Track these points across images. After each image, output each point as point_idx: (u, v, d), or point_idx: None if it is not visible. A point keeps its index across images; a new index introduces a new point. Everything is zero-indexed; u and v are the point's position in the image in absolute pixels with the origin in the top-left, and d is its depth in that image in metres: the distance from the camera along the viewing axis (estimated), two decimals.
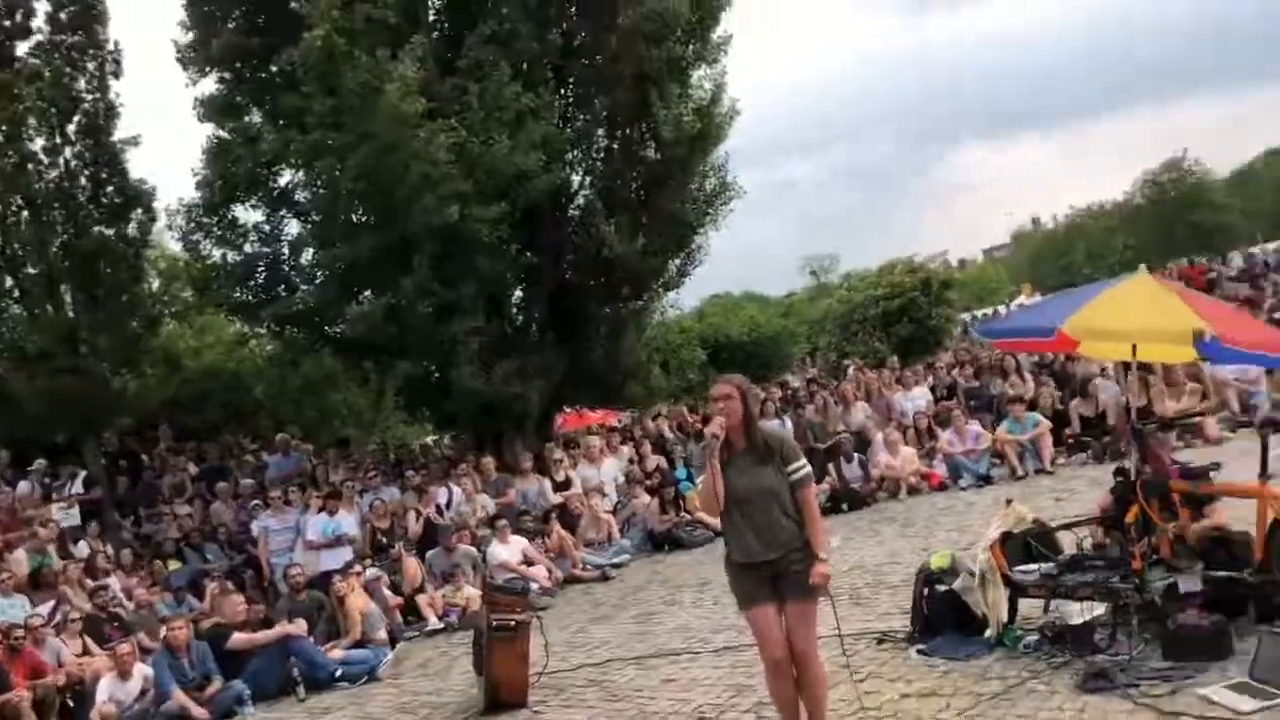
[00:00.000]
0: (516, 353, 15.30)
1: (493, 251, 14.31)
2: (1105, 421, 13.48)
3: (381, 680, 9.46)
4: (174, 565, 13.99)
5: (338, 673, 9.53)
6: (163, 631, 9.69)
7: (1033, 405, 14.03)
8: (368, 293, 14.90)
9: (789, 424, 15.03)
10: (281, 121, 14.72)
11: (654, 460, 15.18)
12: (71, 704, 9.68)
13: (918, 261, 35.46)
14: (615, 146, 15.89)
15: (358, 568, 11.42)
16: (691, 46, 15.65)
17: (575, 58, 15.60)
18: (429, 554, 12.35)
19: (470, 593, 11.36)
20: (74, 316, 15.95)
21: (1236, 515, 6.37)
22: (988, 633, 6.58)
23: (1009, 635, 6.48)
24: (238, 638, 9.65)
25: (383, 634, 10.30)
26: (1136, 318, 5.75)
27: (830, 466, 14.00)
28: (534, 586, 11.13)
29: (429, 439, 20.38)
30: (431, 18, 15.65)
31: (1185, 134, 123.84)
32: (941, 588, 6.95)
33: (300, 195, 15.78)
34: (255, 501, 14.63)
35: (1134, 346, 6.13)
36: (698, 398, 19.46)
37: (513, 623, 7.49)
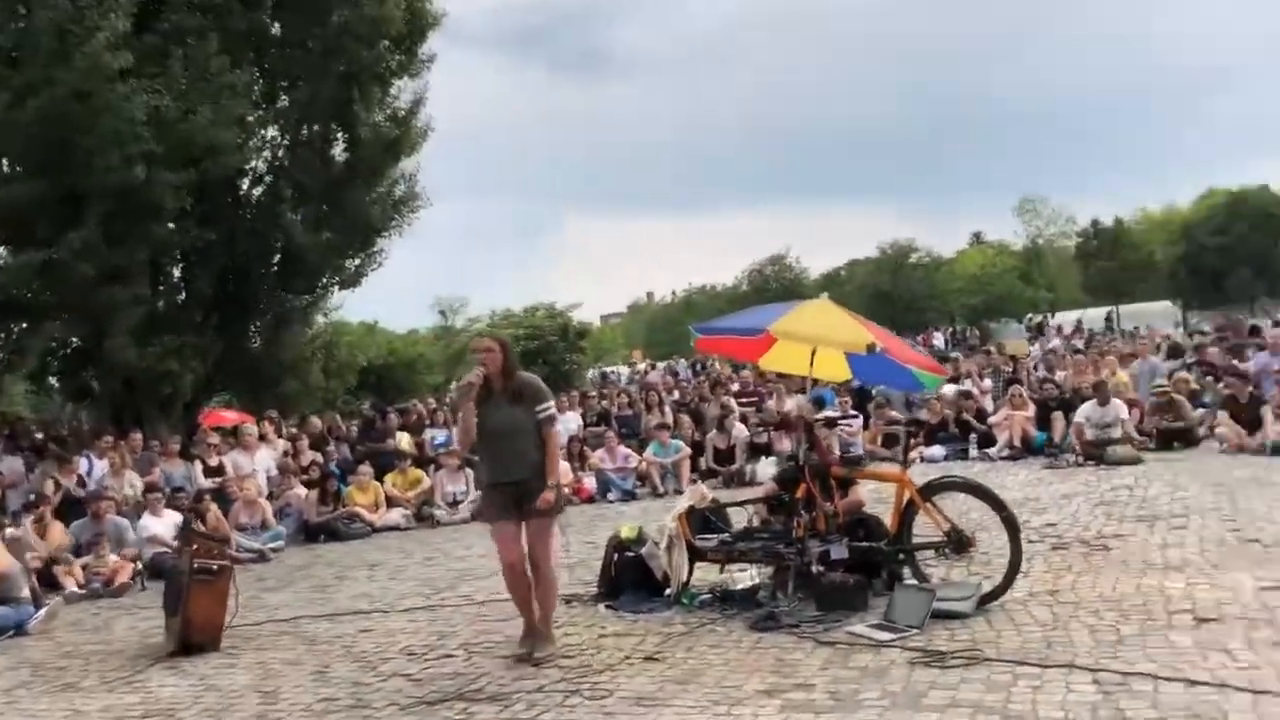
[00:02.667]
0: (175, 331, 14.73)
1: (169, 220, 13.80)
2: (734, 454, 15.28)
3: (32, 635, 8.90)
4: None
5: None
6: None
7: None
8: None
9: (453, 433, 15.60)
10: None
11: (310, 455, 15.12)
12: None
13: (559, 308, 37.27)
14: (311, 138, 15.83)
15: None
16: (398, 57, 16.03)
17: (282, 45, 15.46)
18: (75, 523, 11.63)
19: (114, 560, 10.96)
20: None
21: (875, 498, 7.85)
22: (667, 592, 7.53)
23: (686, 594, 7.46)
24: None
25: (26, 593, 9.64)
26: (827, 326, 7.10)
27: None
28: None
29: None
30: None
31: (793, 234, 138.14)
32: (630, 554, 7.85)
33: None
34: None
35: (812, 359, 7.46)
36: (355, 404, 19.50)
37: (214, 566, 7.51)
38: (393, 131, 15.61)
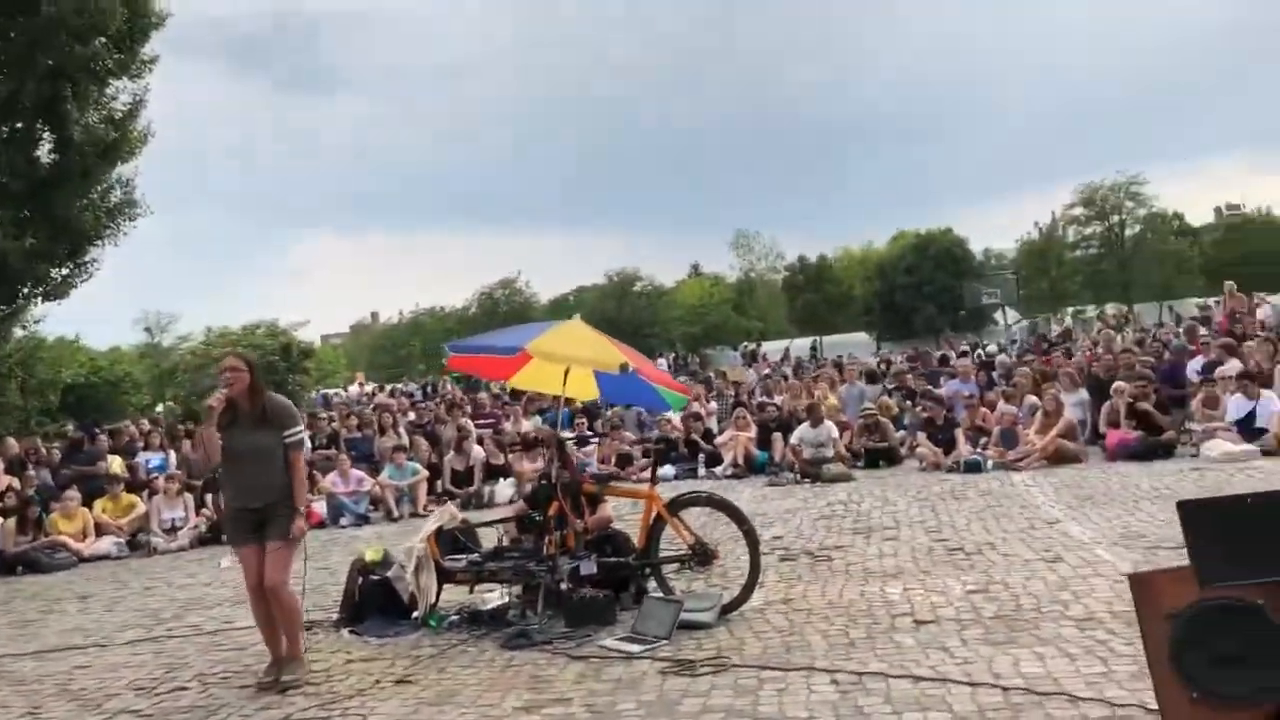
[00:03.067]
0: None
1: None
2: (472, 476, 15.22)
3: None
4: None
5: None
6: None
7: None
8: None
9: (170, 456, 14.69)
10: None
11: (4, 480, 13.77)
12: None
13: (281, 326, 35.78)
14: (12, 135, 14.50)
15: None
16: (116, 55, 14.98)
17: None
18: None
19: None
20: None
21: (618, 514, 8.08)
22: (415, 615, 7.44)
23: (434, 616, 7.39)
24: None
25: None
26: (582, 346, 7.28)
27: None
28: None
29: None
30: None
31: (522, 258, 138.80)
32: (375, 577, 7.69)
33: None
34: None
35: (565, 379, 7.61)
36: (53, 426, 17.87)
37: None
38: (109, 134, 14.52)
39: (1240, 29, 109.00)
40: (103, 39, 14.52)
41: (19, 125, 14.58)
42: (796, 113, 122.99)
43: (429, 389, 36.40)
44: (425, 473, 14.82)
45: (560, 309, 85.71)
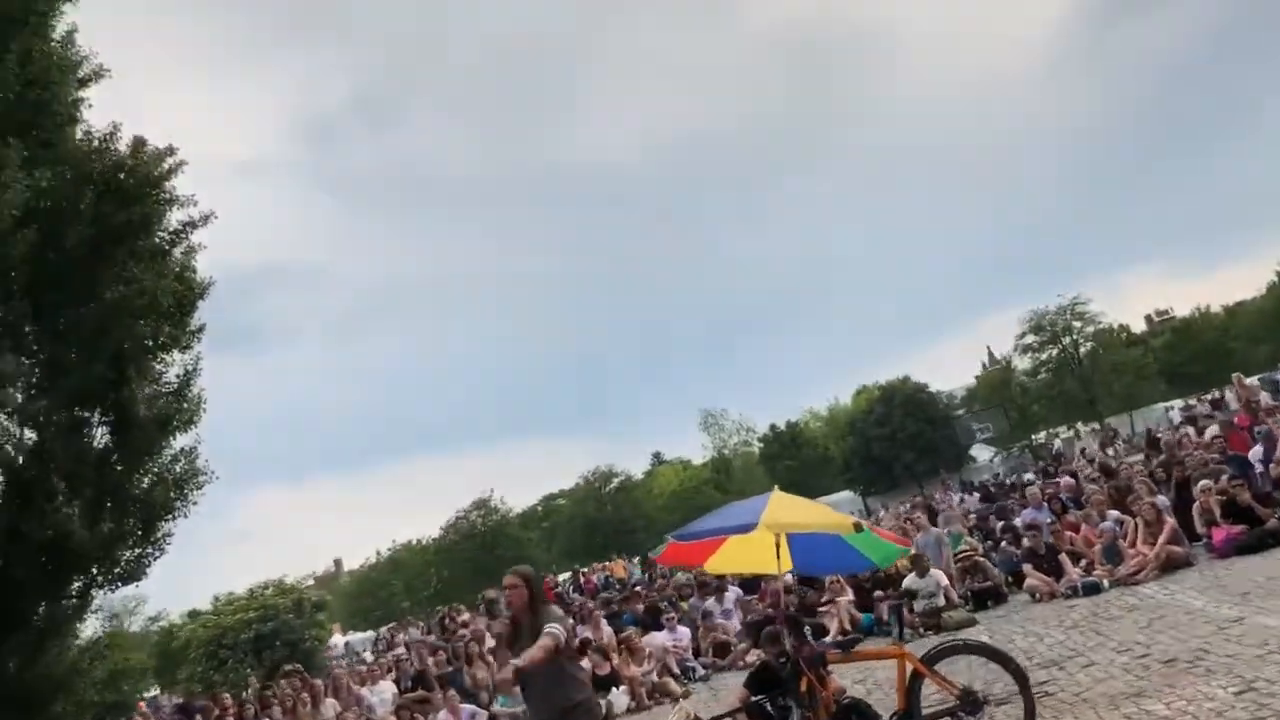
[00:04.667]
0: None
1: None
2: None
3: None
4: None
5: None
6: None
7: None
8: None
9: None
10: None
11: None
12: None
13: (289, 582, 34.95)
14: (77, 422, 14.53)
15: None
16: (168, 328, 15.26)
17: (45, 326, 14.31)
18: None
19: None
20: None
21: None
22: None
23: None
24: None
25: None
26: (810, 512, 7.42)
27: None
28: None
29: None
30: None
31: (479, 477, 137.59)
32: None
33: None
34: None
35: (778, 553, 7.68)
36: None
37: None
38: (171, 406, 14.66)
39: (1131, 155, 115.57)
40: (156, 314, 14.77)
41: (83, 412, 14.61)
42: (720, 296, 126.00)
43: (445, 622, 35.46)
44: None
45: (531, 521, 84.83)
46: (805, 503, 7.74)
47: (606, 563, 44.25)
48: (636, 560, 42.62)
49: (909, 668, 7.16)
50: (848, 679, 9.13)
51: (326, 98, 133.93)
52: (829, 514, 7.48)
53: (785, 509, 7.34)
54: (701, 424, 73.98)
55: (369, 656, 32.71)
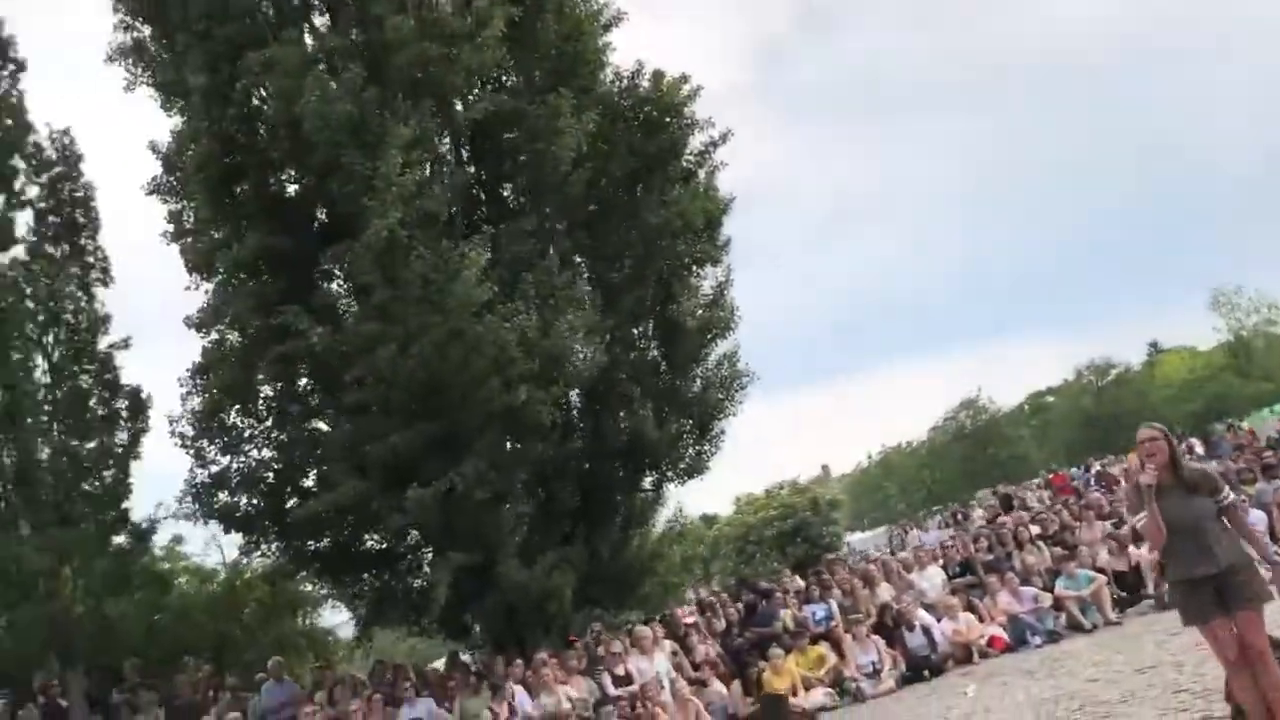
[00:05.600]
0: (551, 546, 14.76)
1: (544, 436, 14.12)
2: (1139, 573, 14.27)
3: None
4: None
5: None
6: None
7: None
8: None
9: (833, 605, 15.08)
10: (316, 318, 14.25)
11: (702, 649, 14.69)
12: None
13: (802, 483, 36.64)
14: (635, 338, 16.23)
15: None
16: (699, 245, 16.45)
17: (601, 255, 16.09)
18: None
19: None
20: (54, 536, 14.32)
21: None
22: None
23: None
24: None
25: None
26: None
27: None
28: None
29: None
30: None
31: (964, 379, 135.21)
32: None
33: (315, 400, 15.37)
34: None
35: None
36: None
37: None
38: (710, 316, 15.98)
39: None
40: (691, 234, 15.98)
41: (639, 328, 16.25)
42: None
43: (959, 516, 35.40)
44: (1102, 578, 14.02)
45: (1017, 419, 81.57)
46: None
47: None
48: None
49: None
50: None
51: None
52: None
53: None
54: (1211, 304, 66.64)
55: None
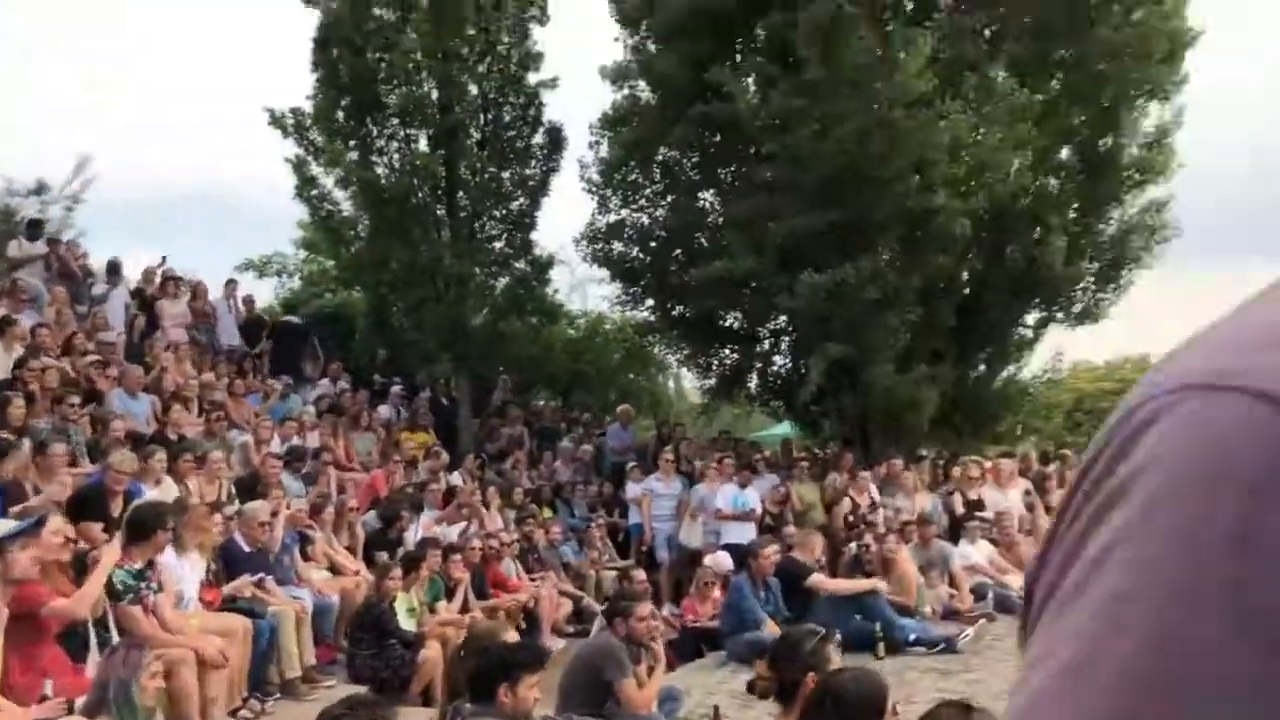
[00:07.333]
0: (922, 360, 14.46)
1: (945, 248, 13.63)
2: None
3: (961, 654, 8.60)
4: (546, 513, 13.57)
5: (912, 637, 8.73)
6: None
7: None
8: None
9: None
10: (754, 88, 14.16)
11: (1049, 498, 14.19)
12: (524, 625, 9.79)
13: (1153, 361, 34.29)
14: (1068, 162, 15.13)
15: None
16: (1152, 74, 14.91)
17: (1045, 65, 14.93)
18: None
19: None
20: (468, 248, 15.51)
21: None
22: None
23: None
24: (818, 579, 8.89)
25: (928, 608, 9.49)
26: None
27: None
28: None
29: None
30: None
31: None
32: None
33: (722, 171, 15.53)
34: (632, 464, 14.31)
35: None
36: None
37: None
38: (1151, 156, 14.59)
39: None
40: (1148, 62, 14.44)
41: (1057, 154, 15.11)
42: None
43: None
44: None
45: None
46: None
47: None
48: None
49: None
50: None
51: None
52: None
53: None
54: None
55: None
